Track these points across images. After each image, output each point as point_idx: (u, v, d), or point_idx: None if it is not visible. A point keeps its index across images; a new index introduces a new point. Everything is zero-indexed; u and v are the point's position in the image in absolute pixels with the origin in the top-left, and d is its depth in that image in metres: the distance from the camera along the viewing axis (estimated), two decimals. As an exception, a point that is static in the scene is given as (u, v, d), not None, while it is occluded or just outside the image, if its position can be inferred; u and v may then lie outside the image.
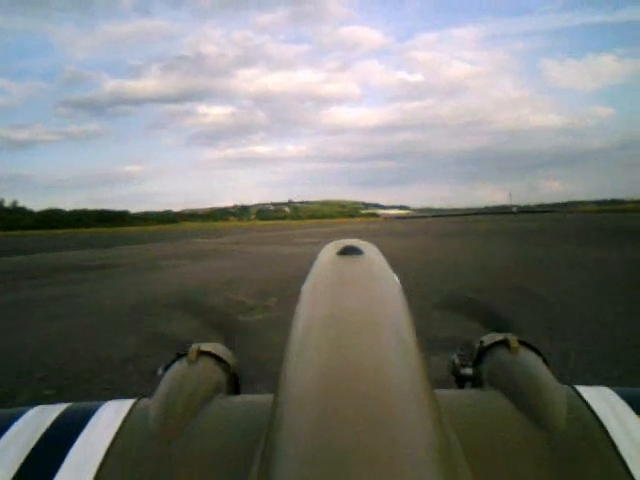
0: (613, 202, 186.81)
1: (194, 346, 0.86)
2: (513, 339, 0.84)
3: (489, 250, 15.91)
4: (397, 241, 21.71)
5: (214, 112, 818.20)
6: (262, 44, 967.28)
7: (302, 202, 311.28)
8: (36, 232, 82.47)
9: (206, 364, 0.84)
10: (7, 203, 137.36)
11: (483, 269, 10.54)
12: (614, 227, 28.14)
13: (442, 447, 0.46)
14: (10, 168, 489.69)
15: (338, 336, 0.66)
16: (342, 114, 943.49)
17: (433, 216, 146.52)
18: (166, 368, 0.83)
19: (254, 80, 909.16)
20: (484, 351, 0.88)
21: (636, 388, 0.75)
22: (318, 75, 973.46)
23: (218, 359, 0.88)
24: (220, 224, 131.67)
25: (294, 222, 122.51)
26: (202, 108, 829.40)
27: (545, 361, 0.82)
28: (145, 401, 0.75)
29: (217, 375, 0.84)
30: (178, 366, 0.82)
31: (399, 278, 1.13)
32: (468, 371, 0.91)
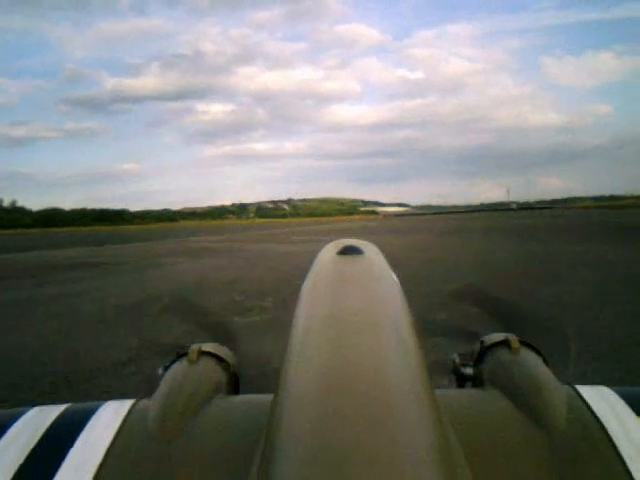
0: (612, 198, 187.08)
1: (195, 346, 0.86)
2: (514, 339, 0.84)
3: (489, 248, 15.90)
4: (398, 239, 21.75)
5: (213, 110, 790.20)
6: (260, 42, 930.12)
7: (301, 200, 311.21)
8: (33, 231, 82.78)
9: (207, 364, 0.84)
10: (6, 203, 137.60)
11: (483, 267, 10.55)
12: (615, 224, 28.16)
13: (442, 447, 0.46)
14: (9, 166, 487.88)
15: (338, 336, 0.66)
16: (342, 112, 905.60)
17: (433, 213, 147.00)
18: (166, 368, 0.83)
19: (253, 78, 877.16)
20: (485, 351, 0.88)
21: (636, 388, 0.75)
22: (317, 72, 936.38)
23: (219, 359, 0.88)
24: (219, 222, 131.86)
25: (294, 220, 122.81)
26: (201, 106, 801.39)
27: (546, 361, 0.82)
28: (145, 401, 0.75)
29: (217, 375, 0.84)
30: (178, 366, 0.82)
31: (399, 278, 1.13)
32: (469, 371, 0.92)
